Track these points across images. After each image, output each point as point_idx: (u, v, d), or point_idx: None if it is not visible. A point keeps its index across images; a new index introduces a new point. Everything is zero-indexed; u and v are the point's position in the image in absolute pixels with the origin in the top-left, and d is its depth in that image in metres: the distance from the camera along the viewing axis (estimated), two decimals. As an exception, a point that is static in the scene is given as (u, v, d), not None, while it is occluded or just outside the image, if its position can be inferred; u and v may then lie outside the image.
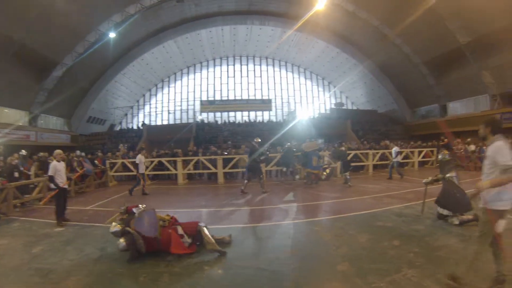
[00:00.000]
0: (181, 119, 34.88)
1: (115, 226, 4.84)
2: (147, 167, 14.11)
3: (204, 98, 35.42)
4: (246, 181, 10.30)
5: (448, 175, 6.26)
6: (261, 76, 36.65)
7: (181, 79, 35.99)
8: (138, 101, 35.51)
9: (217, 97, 35.60)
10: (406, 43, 24.09)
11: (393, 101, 30.53)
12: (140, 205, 5.04)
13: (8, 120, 19.98)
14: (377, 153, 16.91)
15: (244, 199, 9.42)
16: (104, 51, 22.99)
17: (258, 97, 36.08)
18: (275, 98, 36.48)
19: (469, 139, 19.06)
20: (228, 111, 35.03)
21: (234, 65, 36.54)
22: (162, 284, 3.74)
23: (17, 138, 19.75)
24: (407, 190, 10.08)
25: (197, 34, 28.83)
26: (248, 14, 26.78)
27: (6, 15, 16.11)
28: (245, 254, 4.57)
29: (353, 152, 15.95)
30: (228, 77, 36.26)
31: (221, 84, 36.15)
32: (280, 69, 37.18)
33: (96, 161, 14.27)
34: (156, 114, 35.61)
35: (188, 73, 36.07)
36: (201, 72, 36.17)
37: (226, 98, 35.60)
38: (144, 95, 35.58)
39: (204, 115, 34.42)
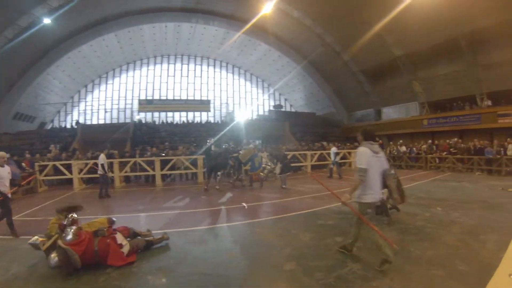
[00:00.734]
0: (118, 118, 33.04)
1: (36, 239, 4.38)
2: (81, 170, 13.25)
3: (143, 97, 33.97)
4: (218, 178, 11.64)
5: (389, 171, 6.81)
6: (201, 77, 36.26)
7: (119, 76, 34.05)
8: (72, 98, 32.55)
9: (156, 97, 34.42)
10: (346, 52, 25.68)
11: (331, 104, 32.20)
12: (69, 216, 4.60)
13: None
14: (315, 154, 17.64)
15: (183, 202, 9.23)
16: (36, 38, 20.70)
17: (197, 97, 35.69)
18: (214, 99, 36.38)
19: (401, 141, 20.88)
20: (166, 111, 34.13)
21: (175, 64, 35.60)
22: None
23: None
24: (346, 189, 10.58)
25: (140, 29, 27.48)
26: (194, 12, 26.23)
27: None
28: (189, 260, 4.42)
29: (291, 153, 16.44)
30: (168, 76, 35.24)
31: (160, 83, 35.00)
32: (220, 70, 37.12)
33: (23, 164, 12.89)
34: (92, 112, 33.22)
35: (127, 70, 34.26)
36: (140, 70, 34.62)
37: (165, 98, 34.61)
38: (79, 91, 32.80)
39: (142, 115, 33.02)
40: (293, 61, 30.13)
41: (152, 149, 16.85)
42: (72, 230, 4.26)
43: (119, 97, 33.83)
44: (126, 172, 13.77)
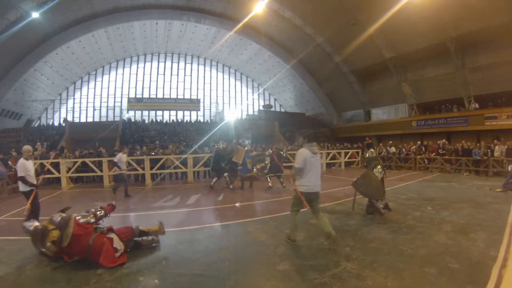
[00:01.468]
0: (107, 116, 32.65)
1: (32, 225, 4.41)
2: (69, 169, 13.02)
3: (132, 95, 33.59)
4: (215, 179, 11.42)
5: (375, 170, 6.93)
6: (191, 75, 36.10)
7: (109, 73, 33.60)
8: (60, 95, 31.98)
9: (146, 95, 34.09)
10: (336, 53, 25.87)
11: (321, 105, 32.42)
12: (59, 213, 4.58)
13: None
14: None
15: (174, 201, 9.15)
16: (24, 33, 20.10)
17: (187, 96, 35.53)
18: (204, 98, 36.27)
19: (390, 142, 21.17)
20: (156, 110, 33.84)
21: (165, 62, 35.36)
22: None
23: None
24: (336, 189, 10.70)
25: (130, 26, 27.12)
26: (185, 10, 26.05)
27: None
28: (180, 261, 4.36)
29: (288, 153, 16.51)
30: (158, 74, 34.98)
31: (150, 81, 34.71)
32: (211, 69, 37.03)
33: (9, 162, 12.55)
34: (80, 110, 32.64)
35: (117, 68, 33.82)
36: (130, 68, 34.22)
37: (154, 96, 34.29)
38: (67, 88, 32.21)
39: (131, 113, 32.67)
40: (283, 61, 30.18)
41: (142, 148, 16.69)
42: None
43: (108, 95, 33.40)
44: (115, 171, 13.55)
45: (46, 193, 10.66)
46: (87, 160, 13.36)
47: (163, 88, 35.00)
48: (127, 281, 3.77)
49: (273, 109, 36.97)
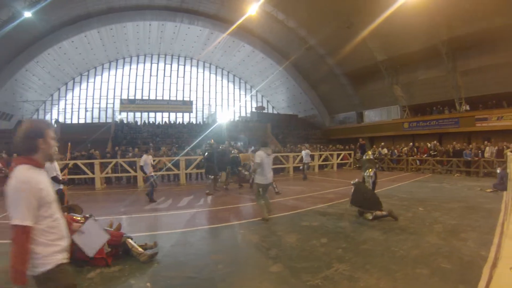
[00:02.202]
0: (99, 118, 32.24)
1: None
2: (61, 170, 12.83)
3: (125, 96, 33.33)
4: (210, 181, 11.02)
5: (365, 173, 6.98)
6: (184, 77, 35.98)
7: (101, 75, 33.29)
8: (52, 95, 31.51)
9: (138, 96, 33.87)
10: (329, 55, 26.01)
11: (314, 107, 32.61)
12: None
13: None
14: (298, 155, 17.74)
15: (166, 203, 9.09)
16: (16, 32, 19.68)
17: (180, 98, 35.38)
18: (196, 100, 36.14)
19: (382, 144, 21.35)
20: (148, 112, 33.59)
21: (158, 63, 35.18)
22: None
23: None
24: (328, 191, 10.74)
25: (123, 27, 26.92)
26: (178, 11, 25.93)
27: None
28: (173, 263, 4.31)
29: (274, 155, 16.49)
30: (151, 75, 34.76)
31: (143, 82, 34.48)
32: (203, 70, 36.96)
33: (-1, 164, 12.39)
34: (72, 111, 32.25)
35: (109, 69, 33.54)
36: (123, 69, 33.98)
37: (147, 98, 34.10)
38: (59, 89, 31.75)
39: (124, 114, 32.39)
40: (276, 63, 30.23)
41: (134, 149, 16.57)
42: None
43: (100, 96, 33.11)
44: (107, 173, 13.46)
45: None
46: (78, 162, 13.17)
47: (156, 89, 34.83)
48: (119, 284, 3.72)
49: (265, 111, 37.01)
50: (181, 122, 31.64)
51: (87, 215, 4.71)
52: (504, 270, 0.67)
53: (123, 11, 24.80)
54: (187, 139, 21.28)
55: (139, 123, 30.05)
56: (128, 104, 32.40)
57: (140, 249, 4.44)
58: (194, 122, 32.47)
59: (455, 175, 15.95)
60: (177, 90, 35.57)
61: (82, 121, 31.78)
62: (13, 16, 18.96)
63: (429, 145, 19.11)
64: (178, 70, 35.80)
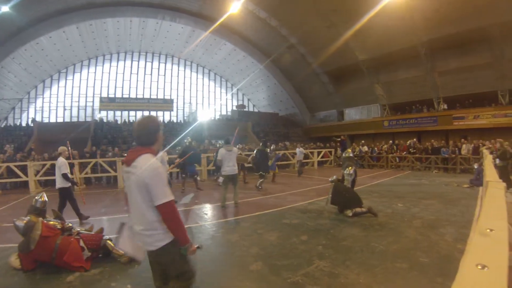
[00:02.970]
0: (78, 117, 31.29)
1: (21, 220, 4.15)
2: (37, 172, 12.47)
3: (104, 94, 32.36)
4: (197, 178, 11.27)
5: (345, 171, 7.05)
6: (165, 75, 35.36)
7: (80, 72, 32.18)
8: (29, 93, 30.20)
9: (118, 95, 32.95)
10: (311, 54, 26.18)
11: (294, 105, 32.81)
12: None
13: None
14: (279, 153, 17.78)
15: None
16: None
17: (160, 96, 34.80)
18: (177, 98, 35.65)
19: (363, 141, 21.71)
20: (128, 110, 32.79)
21: (138, 61, 34.37)
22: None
23: None
24: (308, 188, 10.81)
25: (103, 23, 26.05)
26: (160, 8, 25.43)
27: None
28: (154, 263, 4.24)
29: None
30: (131, 73, 33.94)
31: (123, 80, 33.59)
32: (184, 68, 36.44)
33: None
34: (49, 110, 31.16)
35: (88, 66, 32.46)
36: (103, 66, 33.00)
37: (127, 96, 33.27)
38: (36, 87, 30.45)
39: (104, 113, 31.62)
40: (257, 62, 30.19)
41: (114, 149, 16.24)
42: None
43: (79, 94, 32.07)
44: (86, 173, 13.13)
45: (13, 197, 10.18)
46: (55, 162, 12.75)
47: (136, 87, 34.06)
48: (99, 287, 3.63)
49: (246, 109, 36.96)
50: (161, 121, 31.24)
51: (65, 221, 4.60)
52: (469, 267, 0.68)
53: (104, 6, 24.06)
54: (167, 138, 21.04)
55: (119, 122, 29.45)
56: (108, 103, 31.64)
57: (120, 250, 4.33)
58: (175, 121, 32.10)
59: (433, 171, 16.38)
60: (158, 88, 34.95)
61: (60, 120, 30.71)
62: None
63: (408, 142, 19.54)
64: (159, 68, 35.15)
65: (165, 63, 35.38)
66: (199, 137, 19.90)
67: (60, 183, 6.84)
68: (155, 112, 33.07)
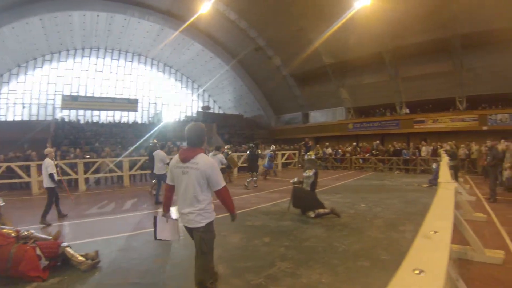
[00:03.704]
0: (38, 115, 29.66)
1: None
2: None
3: (67, 92, 30.79)
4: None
5: (304, 173, 7.13)
6: (131, 74, 34.32)
7: (41, 67, 30.25)
8: None
9: (82, 93, 31.52)
10: (279, 57, 26.57)
11: (260, 107, 33.08)
12: None
13: None
14: (242, 155, 17.58)
15: (109, 207, 8.67)
16: None
17: (125, 96, 33.72)
18: (143, 98, 34.77)
19: (327, 143, 22.29)
20: (92, 110, 31.52)
21: (104, 58, 33.00)
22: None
23: None
24: (272, 190, 10.92)
25: (69, 16, 24.54)
26: (129, 3, 24.57)
27: None
28: (115, 270, 4.10)
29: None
30: (96, 71, 32.56)
31: (87, 78, 32.15)
32: (151, 68, 35.63)
33: None
34: (7, 107, 29.17)
35: (51, 61, 30.54)
36: (66, 62, 31.26)
37: (91, 95, 31.93)
38: None
39: (66, 112, 30.17)
40: (224, 63, 30.10)
41: (76, 150, 15.54)
42: None
43: (40, 91, 30.29)
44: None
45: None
46: (12, 164, 11.95)
47: (101, 86, 32.77)
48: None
49: (211, 110, 36.76)
50: (126, 122, 30.38)
51: (21, 229, 4.34)
52: (406, 272, 0.66)
53: (72, -2, 22.77)
54: (132, 139, 20.45)
55: (82, 121, 28.23)
56: (71, 101, 30.18)
57: (80, 257, 4.15)
58: (140, 122, 31.32)
59: (395, 172, 17.09)
60: (123, 87, 33.85)
61: (18, 118, 29.01)
62: None
63: (372, 144, 20.25)
64: (125, 67, 34.01)
65: (132, 62, 34.34)
66: (163, 139, 19.51)
67: (47, 183, 7.20)
68: (119, 112, 32.08)
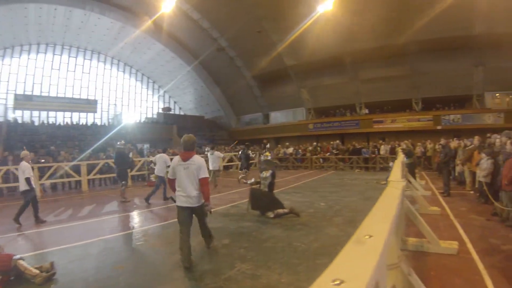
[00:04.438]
0: (-13, 116, 27.73)
1: None
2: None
3: (20, 91, 28.67)
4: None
5: (261, 174, 7.19)
6: (89, 73, 32.68)
7: (-8, 63, 28.27)
8: None
9: (36, 92, 29.42)
10: (240, 58, 26.74)
11: (220, 108, 33.15)
12: None
13: None
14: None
15: (66, 213, 8.29)
16: None
17: (84, 96, 32.10)
18: (102, 99, 33.32)
19: (287, 143, 22.81)
20: (48, 110, 29.70)
21: (61, 55, 30.96)
22: None
23: None
24: (232, 191, 10.96)
25: (24, 8, 22.65)
26: (90, -2, 23.25)
27: None
28: (72, 281, 3.93)
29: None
30: (52, 69, 30.49)
31: (42, 76, 30.02)
32: (111, 67, 34.15)
33: None
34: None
35: (3, 57, 27.91)
36: (19, 58, 28.79)
37: (47, 95, 29.94)
38: None
39: (19, 113, 28.33)
40: (186, 64, 29.70)
41: (30, 154, 14.65)
42: None
43: (-11, 90, 28.28)
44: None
45: None
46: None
47: (58, 85, 30.76)
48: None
49: (172, 112, 36.32)
50: (84, 123, 29.07)
51: None
52: (323, 283, 0.60)
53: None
54: (90, 142, 19.64)
55: (36, 123, 26.66)
56: (24, 101, 28.26)
57: (34, 270, 3.92)
58: (99, 123, 30.08)
59: (355, 171, 17.78)
60: (81, 87, 32.12)
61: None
62: None
63: (332, 143, 20.88)
64: (83, 65, 32.23)
65: (91, 60, 32.63)
66: (127, 141, 18.95)
67: (24, 186, 7.13)
68: (77, 113, 30.53)
